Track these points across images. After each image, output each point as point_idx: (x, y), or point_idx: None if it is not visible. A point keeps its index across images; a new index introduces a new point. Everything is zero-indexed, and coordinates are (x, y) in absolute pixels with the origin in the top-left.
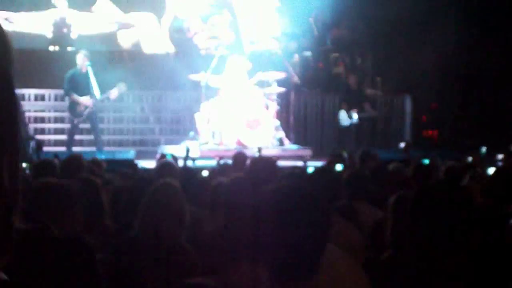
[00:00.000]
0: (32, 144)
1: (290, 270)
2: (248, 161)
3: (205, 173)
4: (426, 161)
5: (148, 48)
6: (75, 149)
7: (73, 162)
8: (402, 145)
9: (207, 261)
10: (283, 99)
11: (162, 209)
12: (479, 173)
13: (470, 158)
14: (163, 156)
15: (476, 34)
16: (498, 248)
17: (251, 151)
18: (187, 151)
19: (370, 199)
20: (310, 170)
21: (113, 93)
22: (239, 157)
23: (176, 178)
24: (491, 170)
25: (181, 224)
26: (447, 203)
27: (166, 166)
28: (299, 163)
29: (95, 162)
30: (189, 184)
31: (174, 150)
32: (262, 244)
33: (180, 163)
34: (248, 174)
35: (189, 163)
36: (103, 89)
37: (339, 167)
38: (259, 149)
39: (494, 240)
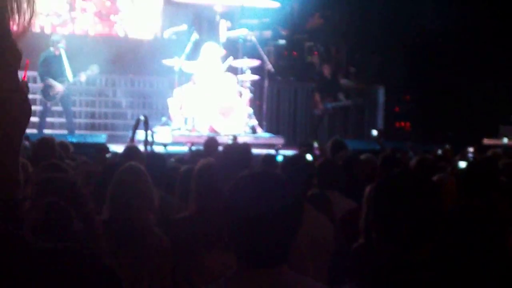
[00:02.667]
0: None
1: (259, 258)
2: (220, 148)
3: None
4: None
5: (123, 32)
6: (46, 131)
7: (44, 146)
8: (375, 132)
9: (179, 248)
10: (256, 87)
11: (130, 192)
12: (452, 167)
13: (439, 151)
14: (138, 120)
15: (450, 25)
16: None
17: (224, 138)
18: (152, 135)
19: (342, 189)
20: (280, 158)
21: (82, 76)
22: (211, 144)
23: (142, 162)
24: (462, 164)
25: (150, 206)
26: (412, 194)
27: (132, 151)
28: (271, 151)
29: (62, 145)
30: (158, 170)
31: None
32: (232, 231)
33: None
34: (219, 160)
35: (159, 148)
36: (76, 72)
37: (309, 156)
38: (234, 137)
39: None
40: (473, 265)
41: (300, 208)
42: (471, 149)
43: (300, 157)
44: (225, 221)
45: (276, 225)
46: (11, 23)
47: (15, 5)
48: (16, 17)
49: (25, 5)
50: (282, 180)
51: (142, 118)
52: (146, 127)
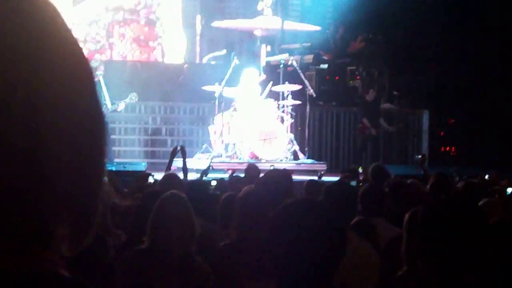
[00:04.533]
0: None
1: (302, 286)
2: (261, 174)
3: (213, 183)
4: None
5: (161, 58)
6: None
7: None
8: (418, 157)
9: (220, 276)
10: (298, 112)
11: (171, 220)
12: (500, 191)
13: (487, 176)
14: (174, 150)
15: (495, 49)
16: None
17: (266, 165)
18: (208, 167)
19: (388, 216)
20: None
21: (121, 106)
22: (252, 170)
23: (181, 190)
24: (510, 190)
25: (191, 235)
26: (459, 220)
27: (171, 178)
28: (314, 178)
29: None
30: (199, 198)
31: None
32: (275, 260)
33: (195, 176)
34: (260, 187)
35: (193, 176)
36: (115, 99)
37: (353, 182)
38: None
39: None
40: None
41: (343, 237)
42: None
43: (343, 184)
44: (269, 249)
45: (319, 254)
46: None
47: None
48: None
49: None
50: (326, 209)
51: (179, 147)
52: (184, 156)
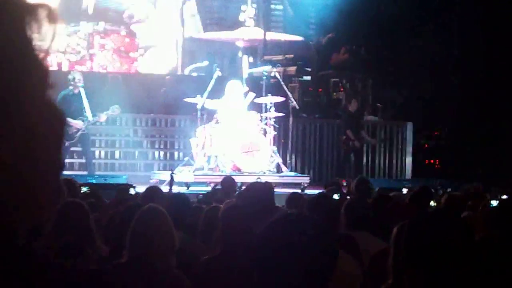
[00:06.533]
0: None
1: None
2: (237, 187)
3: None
4: None
5: (142, 69)
6: (66, 172)
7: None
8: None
9: None
10: (281, 125)
11: (149, 234)
12: (484, 204)
13: (471, 189)
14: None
15: (479, 61)
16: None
17: (248, 177)
18: (171, 178)
19: (372, 229)
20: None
21: (102, 118)
22: (228, 183)
23: (163, 203)
24: (494, 203)
25: (170, 248)
26: (444, 233)
27: (152, 191)
28: (297, 191)
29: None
30: (180, 211)
31: (166, 176)
32: (263, 276)
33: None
34: (242, 200)
35: (176, 189)
36: (96, 111)
37: (335, 196)
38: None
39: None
40: None
41: (334, 253)
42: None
43: (326, 197)
44: (257, 265)
45: (309, 271)
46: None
47: (36, 26)
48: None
49: (46, 27)
50: (318, 224)
51: (174, 174)
52: (171, 183)
